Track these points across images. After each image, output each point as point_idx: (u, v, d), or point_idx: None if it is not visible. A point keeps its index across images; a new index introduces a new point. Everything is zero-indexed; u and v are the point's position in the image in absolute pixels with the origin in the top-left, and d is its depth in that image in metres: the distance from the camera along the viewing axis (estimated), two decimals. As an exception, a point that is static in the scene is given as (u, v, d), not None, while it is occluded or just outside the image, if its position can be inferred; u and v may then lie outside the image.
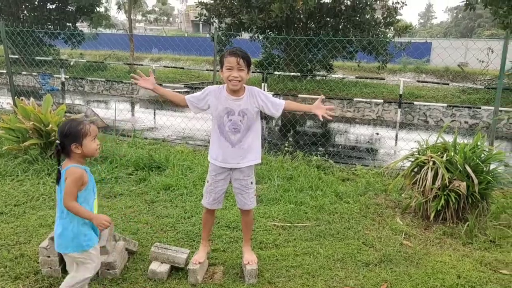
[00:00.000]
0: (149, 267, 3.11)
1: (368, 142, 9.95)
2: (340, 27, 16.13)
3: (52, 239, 2.90)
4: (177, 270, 3.13)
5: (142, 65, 17.42)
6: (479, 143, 4.46)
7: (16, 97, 7.71)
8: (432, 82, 12.08)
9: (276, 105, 3.08)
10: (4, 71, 11.25)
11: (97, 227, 2.46)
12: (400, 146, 8.80)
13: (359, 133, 11.18)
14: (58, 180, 2.48)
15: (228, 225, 3.94)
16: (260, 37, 16.84)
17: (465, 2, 14.87)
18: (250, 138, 3.09)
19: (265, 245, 3.61)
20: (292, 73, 12.87)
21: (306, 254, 3.46)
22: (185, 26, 56.83)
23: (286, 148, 6.38)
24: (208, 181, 3.21)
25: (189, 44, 26.13)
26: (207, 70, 16.56)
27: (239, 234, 3.73)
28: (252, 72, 13.88)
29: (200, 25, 51.48)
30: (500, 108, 10.73)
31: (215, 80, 7.98)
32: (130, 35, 18.62)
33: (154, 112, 13.10)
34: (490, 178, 4.18)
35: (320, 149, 7.35)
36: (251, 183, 3.18)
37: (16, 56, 10.87)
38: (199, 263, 3.08)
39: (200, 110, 3.13)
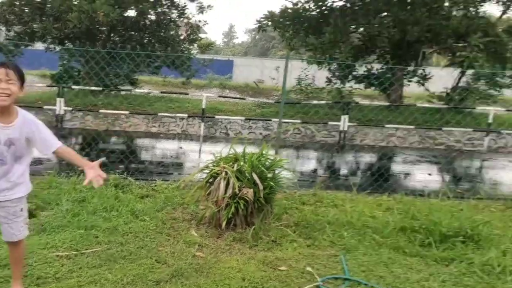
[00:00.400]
0: None
1: (172, 156, 10.05)
2: (145, 41, 16.04)
3: None
4: None
5: None
6: (264, 152, 4.91)
7: None
8: (231, 97, 12.98)
9: (48, 144, 2.74)
10: None
11: None
12: (203, 158, 9.12)
13: (164, 148, 11.23)
14: None
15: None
16: (57, 48, 15.51)
17: (258, 25, 16.53)
18: (20, 171, 2.73)
19: (43, 280, 3.23)
20: (93, 87, 12.17)
21: (91, 283, 3.23)
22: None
23: (80, 168, 5.92)
24: None
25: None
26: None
27: (8, 273, 3.26)
28: (47, 85, 12.65)
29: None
30: (285, 120, 12.18)
31: None
32: None
33: None
34: (272, 184, 4.64)
35: (121, 166, 7.07)
36: (21, 210, 2.82)
37: None
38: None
39: None
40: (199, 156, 10.17)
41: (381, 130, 12.92)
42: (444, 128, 12.32)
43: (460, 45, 14.20)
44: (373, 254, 3.96)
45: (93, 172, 2.73)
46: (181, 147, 11.18)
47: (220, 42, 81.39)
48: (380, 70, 15.82)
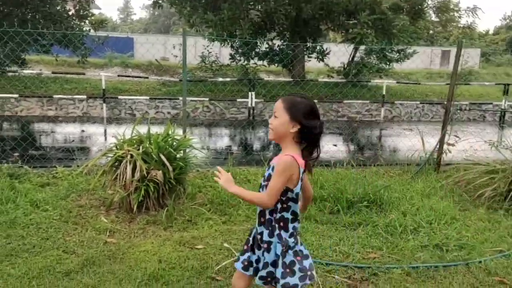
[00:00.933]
0: None
1: (73, 141, 9.41)
2: (28, 17, 14.58)
3: None
4: None
5: None
6: (170, 132, 4.79)
7: None
8: (132, 76, 12.42)
9: None
10: None
11: None
12: (110, 141, 8.68)
13: (64, 132, 10.46)
14: None
15: None
16: None
17: (153, 0, 15.86)
18: None
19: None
20: (-28, 69, 10.85)
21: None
22: None
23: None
24: None
25: None
26: None
27: None
28: None
29: None
30: (194, 98, 12.04)
31: None
32: None
33: None
34: (182, 164, 4.56)
35: (15, 154, 6.45)
36: None
37: None
38: None
39: None
40: (105, 139, 9.68)
41: (286, 105, 13.31)
42: (345, 101, 13.09)
43: (351, 22, 15.03)
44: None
45: None
46: (83, 130, 10.49)
47: (116, 19, 77.23)
48: (280, 47, 16.20)
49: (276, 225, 2.16)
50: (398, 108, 14.40)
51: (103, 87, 11.65)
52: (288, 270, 2.14)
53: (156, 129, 4.91)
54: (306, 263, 2.19)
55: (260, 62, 16.04)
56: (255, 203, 2.18)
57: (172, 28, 58.84)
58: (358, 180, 5.01)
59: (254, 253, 2.26)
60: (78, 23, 15.64)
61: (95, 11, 21.53)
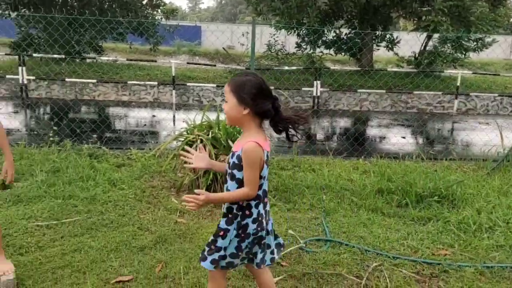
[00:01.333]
0: None
1: (145, 125, 9.88)
2: (105, 6, 15.37)
3: None
4: None
5: None
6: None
7: None
8: (200, 64, 12.72)
9: None
10: None
11: None
12: (178, 126, 9.01)
13: (136, 116, 11.00)
14: None
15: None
16: (12, 15, 14.66)
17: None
18: None
19: (26, 249, 3.18)
20: (55, 55, 11.67)
21: (75, 251, 3.20)
22: None
23: (51, 138, 5.75)
24: None
25: None
26: None
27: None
28: (6, 54, 12.04)
29: None
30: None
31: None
32: None
33: None
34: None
35: (94, 136, 6.90)
36: None
37: None
38: None
39: None
40: (174, 124, 10.06)
41: (354, 95, 13.04)
42: (415, 92, 12.58)
43: (424, 9, 14.31)
44: (353, 216, 4.07)
45: (10, 168, 2.76)
46: (154, 116, 10.97)
47: (185, 8, 79.24)
48: (348, 35, 15.83)
49: (240, 213, 2.12)
50: (474, 101, 13.59)
51: (173, 74, 12.08)
52: (239, 253, 2.16)
53: (222, 116, 5.03)
54: (255, 250, 2.18)
55: (326, 51, 15.80)
56: (241, 199, 2.09)
57: (238, 17, 59.40)
58: (428, 174, 4.83)
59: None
60: (151, 12, 16.25)
61: (167, 1, 22.21)
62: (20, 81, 11.07)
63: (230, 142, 4.46)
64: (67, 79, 11.22)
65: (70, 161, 5.10)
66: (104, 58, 14.43)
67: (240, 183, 2.09)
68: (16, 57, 11.68)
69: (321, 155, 6.24)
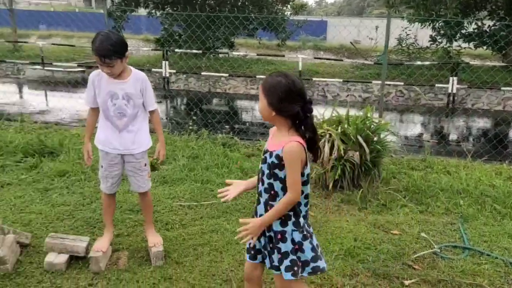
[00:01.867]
0: (45, 259, 2.88)
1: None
2: (239, 4, 16.12)
3: None
4: (77, 260, 2.95)
5: (27, 42, 15.83)
6: (368, 115, 4.78)
7: None
8: (328, 59, 12.65)
9: (148, 104, 3.00)
10: None
11: None
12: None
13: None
14: None
15: (131, 209, 3.80)
16: (158, 14, 16.23)
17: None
18: (138, 123, 2.98)
19: (171, 225, 3.55)
20: (194, 51, 12.64)
21: (213, 231, 3.47)
22: (76, 1, 52.73)
23: (190, 127, 6.28)
24: (102, 166, 3.05)
25: (82, 20, 24.35)
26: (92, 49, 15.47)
27: (140, 216, 3.62)
28: (153, 49, 13.37)
29: (93, 0, 48.18)
30: (389, 82, 11.66)
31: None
32: (10, 9, 16.77)
33: (46, 94, 12.06)
34: (379, 147, 4.53)
35: (226, 126, 7.35)
36: (145, 165, 3.09)
37: None
38: (102, 251, 2.93)
39: (94, 101, 2.95)
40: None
41: (496, 93, 11.81)
42: None
43: None
44: (495, 225, 3.72)
45: (162, 149, 3.13)
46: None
47: (312, 2, 79.15)
48: (493, 27, 14.31)
49: (291, 213, 2.05)
50: None
51: (300, 69, 12.23)
52: (318, 253, 2.10)
53: (352, 111, 4.96)
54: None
55: (465, 45, 14.52)
56: (289, 207, 2.03)
57: (366, 10, 57.57)
58: None
59: (259, 240, 2.15)
60: (281, 8, 16.61)
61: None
62: (163, 74, 12.23)
63: (360, 138, 4.40)
64: (203, 73, 12.09)
65: (207, 148, 5.51)
66: (235, 53, 15.20)
67: (283, 182, 2.04)
68: (161, 52, 12.92)
69: (457, 156, 5.80)
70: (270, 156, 2.04)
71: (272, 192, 2.07)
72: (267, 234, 2.11)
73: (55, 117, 8.43)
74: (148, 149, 3.09)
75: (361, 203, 4.14)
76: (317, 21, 31.43)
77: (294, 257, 2.06)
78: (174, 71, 12.32)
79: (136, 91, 2.91)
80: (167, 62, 12.15)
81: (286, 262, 2.06)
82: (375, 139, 4.66)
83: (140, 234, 3.36)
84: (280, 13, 16.36)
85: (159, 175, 4.58)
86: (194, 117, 6.73)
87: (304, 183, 2.05)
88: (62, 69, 13.36)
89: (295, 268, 2.06)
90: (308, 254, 2.07)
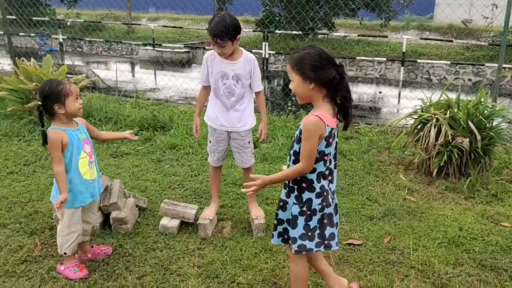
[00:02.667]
0: (160, 222, 3.20)
1: (371, 101, 9.92)
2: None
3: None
4: (187, 225, 3.22)
5: (140, 24, 17.09)
6: (482, 100, 4.46)
7: (16, 58, 7.64)
8: (436, 39, 11.85)
9: (255, 85, 3.13)
10: (1, 32, 11.11)
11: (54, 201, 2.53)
12: (403, 104, 8.77)
13: (362, 92, 11.13)
14: (44, 142, 2.58)
15: (234, 182, 4.02)
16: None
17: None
18: (245, 103, 3.13)
19: (271, 201, 3.70)
20: (294, 32, 12.65)
21: (311, 209, 3.54)
22: (183, -16, 55.26)
23: (289, 108, 6.38)
24: (210, 141, 3.27)
25: (188, 2, 25.53)
26: (206, 29, 16.15)
27: (245, 190, 3.82)
28: (253, 31, 13.66)
29: (198, -17, 50.08)
30: (504, 65, 10.65)
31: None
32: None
33: (155, 73, 12.98)
34: (493, 134, 4.22)
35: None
36: (249, 142, 3.26)
37: (13, 17, 10.68)
38: (209, 219, 3.17)
39: (208, 80, 3.18)
40: (398, 101, 9.82)
41: None
42: None
43: None
44: None
45: (265, 128, 3.32)
46: (380, 92, 10.91)
47: (420, -21, 74.02)
48: None
49: (295, 186, 2.11)
50: None
51: (403, 50, 11.65)
52: (309, 233, 2.11)
53: (464, 95, 4.67)
54: (328, 231, 2.13)
55: None
56: (296, 176, 2.08)
57: (481, -14, 52.47)
58: None
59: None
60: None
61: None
62: (263, 55, 12.47)
63: (471, 124, 4.14)
64: (301, 54, 12.08)
65: (305, 129, 5.57)
66: (335, 34, 14.92)
67: (296, 155, 2.08)
68: (261, 33, 13.14)
69: None
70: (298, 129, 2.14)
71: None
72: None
73: (165, 94, 9.07)
74: (252, 128, 3.24)
75: (468, 192, 3.92)
76: (424, -1, 29.46)
77: (287, 227, 2.19)
78: (274, 52, 12.46)
79: (245, 72, 3.06)
80: (267, 43, 12.36)
81: (279, 229, 2.23)
82: (488, 125, 4.36)
83: (242, 206, 3.56)
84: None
85: (259, 153, 4.76)
86: (293, 98, 6.80)
87: (317, 160, 2.06)
88: (170, 50, 14.23)
89: (285, 236, 2.22)
90: (298, 231, 2.12)
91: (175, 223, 3.20)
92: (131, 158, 4.63)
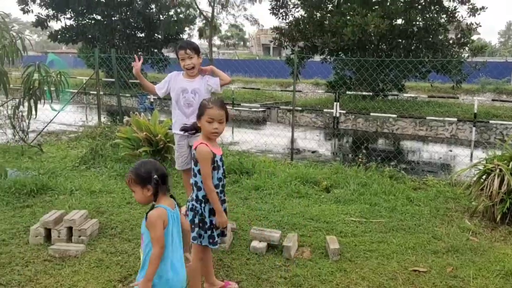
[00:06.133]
0: (250, 244, 3.87)
1: (440, 158, 10.16)
2: (412, 48, 16.34)
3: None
4: (273, 248, 3.86)
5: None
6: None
7: (106, 114, 9.01)
8: (508, 101, 11.94)
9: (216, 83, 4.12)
10: (95, 93, 12.95)
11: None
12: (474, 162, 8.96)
13: (432, 150, 11.39)
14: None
15: (312, 218, 4.63)
16: (331, 59, 17.48)
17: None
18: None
19: (344, 234, 4.24)
20: (364, 93, 13.36)
21: (381, 242, 4.05)
22: (256, 50, 58.88)
23: (360, 160, 6.94)
24: (176, 149, 4.23)
25: (262, 66, 27.39)
26: (281, 90, 17.41)
27: (321, 225, 4.42)
28: (326, 91, 14.55)
29: (271, 49, 53.16)
30: None
31: (294, 102, 8.76)
32: (210, 59, 20.16)
33: (232, 129, 14.15)
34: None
35: (392, 163, 7.78)
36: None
37: (112, 79, 12.48)
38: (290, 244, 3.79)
39: (164, 92, 4.19)
40: (471, 160, 9.96)
41: None
42: None
43: None
44: None
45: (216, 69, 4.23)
46: (450, 150, 11.11)
47: (496, 43, 72.72)
48: None
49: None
50: None
51: (475, 111, 11.86)
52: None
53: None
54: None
55: None
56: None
57: None
58: None
59: None
60: (457, 50, 16.28)
61: (474, 37, 21.57)
62: (334, 114, 13.24)
63: (532, 174, 4.48)
64: (371, 114, 12.69)
65: (375, 179, 6.09)
66: (405, 95, 15.40)
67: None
68: (330, 94, 14.00)
69: None
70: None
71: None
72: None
73: (243, 147, 10.01)
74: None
75: (531, 237, 4.21)
76: (500, 62, 29.14)
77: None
78: (344, 111, 13.20)
79: (203, 87, 4.08)
80: (338, 103, 13.16)
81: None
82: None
83: (319, 236, 4.15)
84: (456, 56, 16.03)
85: (333, 196, 5.36)
86: (364, 151, 7.38)
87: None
88: (248, 109, 15.49)
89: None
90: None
91: (263, 245, 3.86)
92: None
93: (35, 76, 5.58)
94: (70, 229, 3.95)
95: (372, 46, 16.95)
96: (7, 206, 4.79)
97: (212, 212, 2.97)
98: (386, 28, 14.46)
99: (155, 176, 2.36)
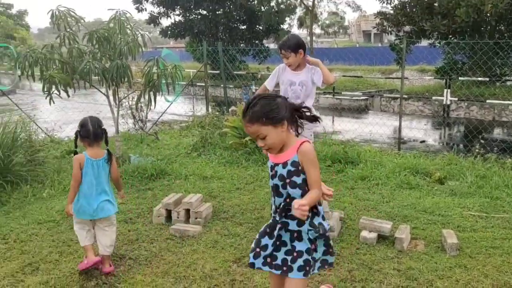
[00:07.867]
0: (360, 234, 3.81)
1: None
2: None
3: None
4: (383, 239, 3.76)
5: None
6: None
7: (214, 104, 9.35)
8: None
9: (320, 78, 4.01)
10: (201, 84, 13.55)
11: None
12: None
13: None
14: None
15: (425, 210, 4.41)
16: (441, 43, 16.31)
17: None
18: (309, 103, 3.85)
19: (462, 229, 3.98)
20: (479, 78, 12.29)
21: (505, 239, 3.73)
22: (356, 37, 57.17)
23: (477, 151, 6.42)
24: None
25: (362, 54, 26.54)
26: (385, 78, 16.72)
27: (435, 218, 4.20)
28: (434, 78, 13.68)
29: (372, 35, 51.22)
30: None
31: (402, 90, 8.36)
32: (311, 49, 20.04)
33: (333, 119, 13.97)
34: None
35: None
36: (310, 135, 4.02)
37: (217, 71, 13.00)
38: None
39: (273, 85, 4.15)
40: None
41: None
42: None
43: None
44: None
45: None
46: None
47: None
48: None
49: (309, 214, 2.14)
50: None
51: None
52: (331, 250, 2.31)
53: None
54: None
55: None
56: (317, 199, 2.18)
57: None
58: None
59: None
60: None
61: None
62: (444, 102, 12.38)
63: None
64: (487, 101, 11.64)
65: (495, 171, 5.61)
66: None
67: (302, 188, 2.16)
68: (439, 81, 13.09)
69: None
70: (284, 166, 2.16)
71: (288, 200, 2.19)
72: (278, 233, 2.24)
73: (346, 137, 9.85)
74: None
75: None
76: None
77: (309, 258, 2.19)
78: (456, 98, 12.30)
79: (308, 79, 4.01)
80: (449, 90, 12.28)
81: (300, 262, 2.18)
82: None
83: (434, 230, 3.95)
84: None
85: (448, 189, 5.05)
86: (482, 141, 6.82)
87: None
88: (349, 98, 15.16)
89: (307, 268, 2.19)
90: (320, 250, 2.28)
91: (373, 235, 3.77)
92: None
93: (154, 70, 6.03)
94: (187, 211, 4.24)
95: (489, 27, 15.47)
96: (132, 188, 5.29)
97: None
98: (505, 7, 13.08)
99: (78, 129, 3.17)
